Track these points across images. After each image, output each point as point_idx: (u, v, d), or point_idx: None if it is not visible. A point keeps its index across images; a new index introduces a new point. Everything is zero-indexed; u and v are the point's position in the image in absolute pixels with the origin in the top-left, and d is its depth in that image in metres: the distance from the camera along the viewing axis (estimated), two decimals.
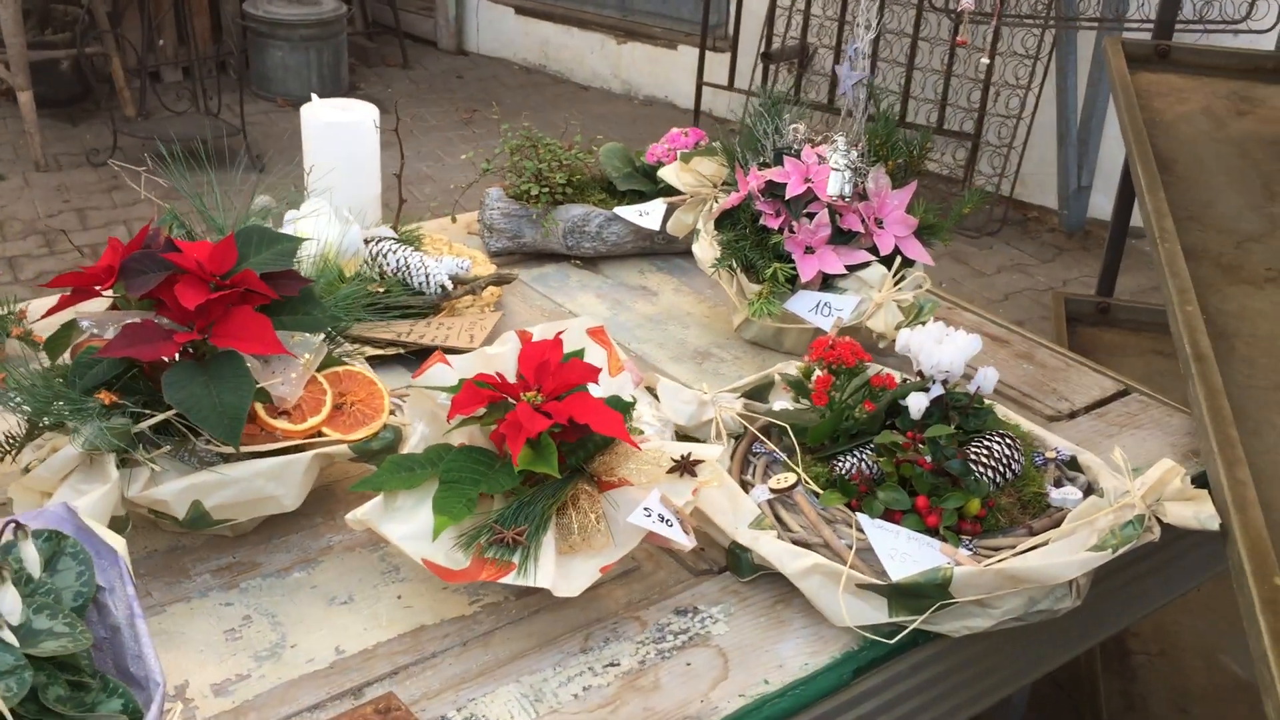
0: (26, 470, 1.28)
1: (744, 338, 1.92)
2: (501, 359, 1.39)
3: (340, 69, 6.03)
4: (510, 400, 1.31)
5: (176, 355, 1.32)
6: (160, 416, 1.29)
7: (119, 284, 1.32)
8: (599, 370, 1.38)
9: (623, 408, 1.36)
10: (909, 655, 1.38)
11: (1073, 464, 1.52)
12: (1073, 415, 1.80)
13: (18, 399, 1.27)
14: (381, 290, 1.81)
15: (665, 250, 2.18)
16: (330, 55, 5.95)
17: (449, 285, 1.86)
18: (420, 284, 1.84)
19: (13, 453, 1.34)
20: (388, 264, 1.84)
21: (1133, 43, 3.04)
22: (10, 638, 0.90)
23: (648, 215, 2.07)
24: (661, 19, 6.25)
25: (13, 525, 0.94)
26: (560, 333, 1.42)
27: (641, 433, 1.41)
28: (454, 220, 2.24)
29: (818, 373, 1.48)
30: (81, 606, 1.01)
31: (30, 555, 0.95)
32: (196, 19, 5.94)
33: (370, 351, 1.74)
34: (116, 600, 1.03)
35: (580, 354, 1.43)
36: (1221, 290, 1.90)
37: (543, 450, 1.27)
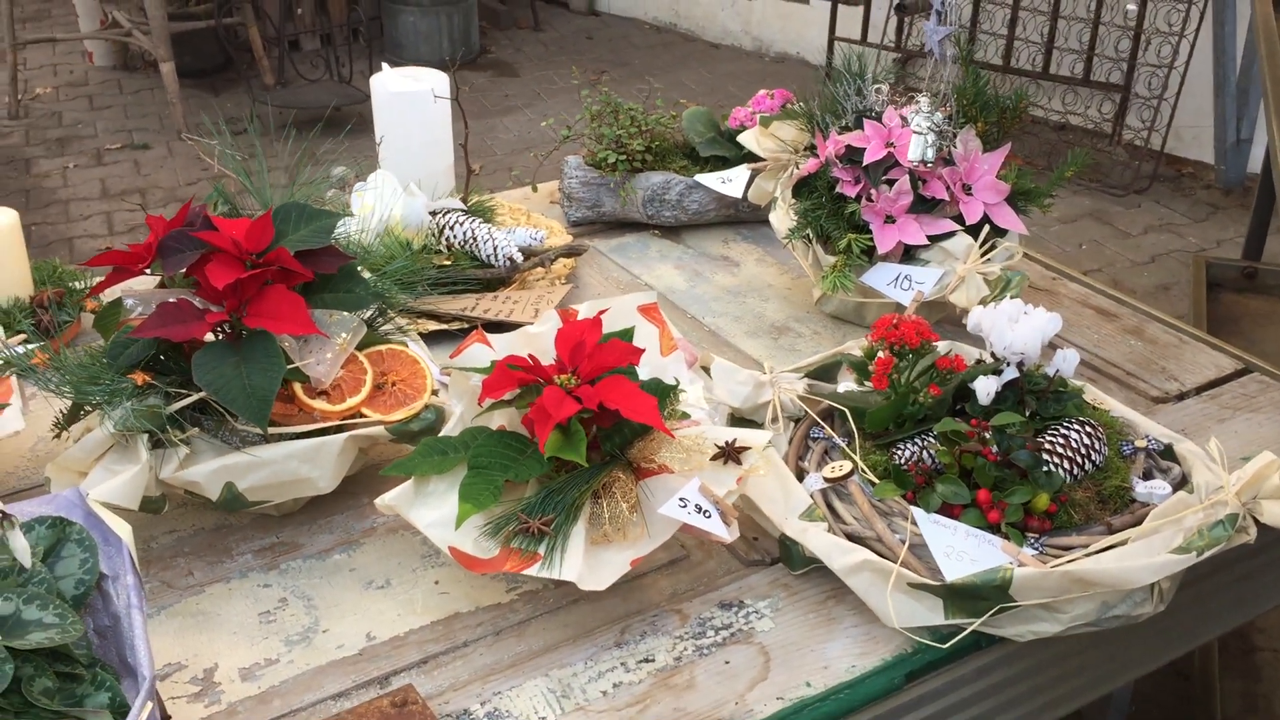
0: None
1: (825, 312, 1.83)
2: (541, 338, 1.34)
3: (471, 32, 6.05)
4: (542, 383, 1.25)
5: (212, 335, 1.30)
6: (191, 398, 1.28)
7: (156, 265, 1.31)
8: (640, 351, 1.31)
9: (663, 391, 1.30)
10: (971, 659, 1.28)
11: (1168, 453, 1.39)
12: (1181, 397, 1.65)
13: (55, 381, 1.28)
14: (448, 263, 1.78)
15: (751, 218, 2.09)
16: (461, 19, 5.97)
17: (517, 258, 1.81)
18: (488, 256, 1.80)
19: (61, 431, 1.35)
20: (454, 236, 1.81)
21: None
22: None
23: (730, 183, 1.99)
24: None
25: (5, 517, 0.93)
26: (603, 311, 1.36)
27: (688, 416, 1.35)
28: (535, 189, 2.19)
29: (880, 354, 1.38)
30: (84, 594, 1.00)
31: (20, 545, 0.94)
32: None
33: (433, 326, 1.71)
34: (119, 589, 1.02)
35: (629, 333, 1.37)
36: None
37: (572, 436, 1.21)
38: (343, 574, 1.35)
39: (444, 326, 1.72)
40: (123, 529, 1.05)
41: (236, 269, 1.28)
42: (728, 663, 1.23)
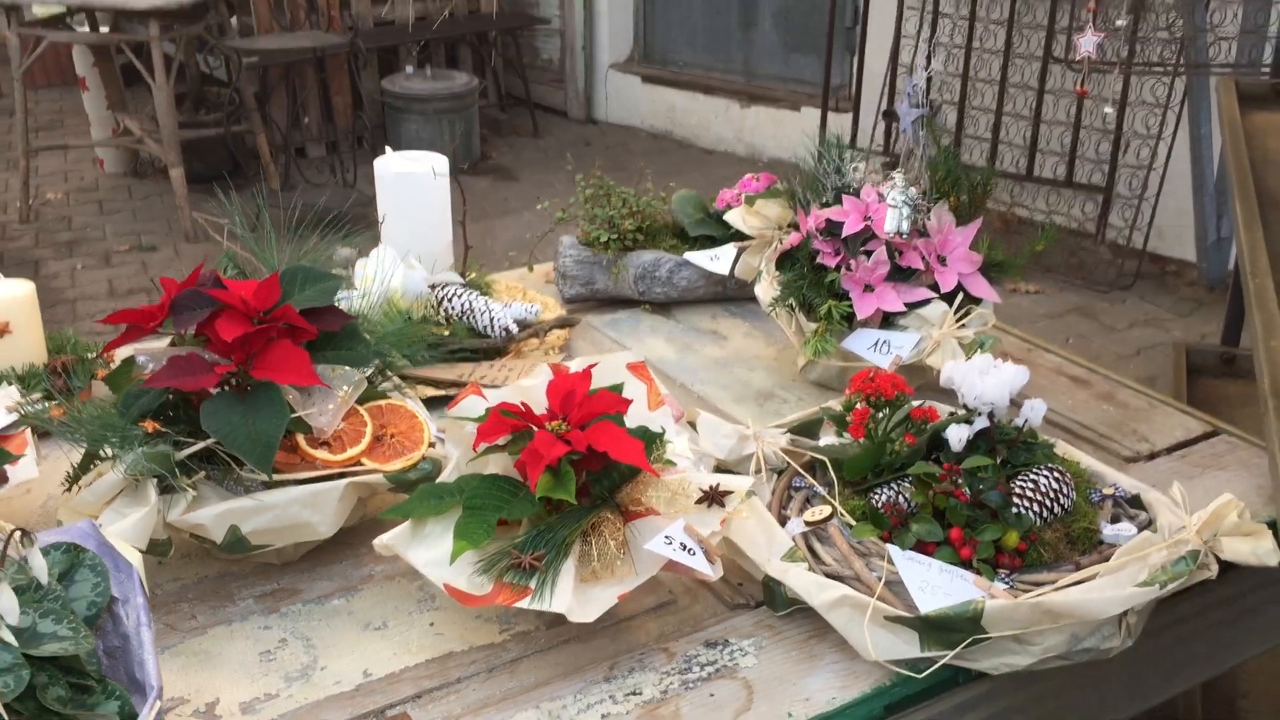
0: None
1: (809, 379, 1.90)
2: (534, 391, 1.41)
3: (472, 139, 6.24)
4: (534, 429, 1.32)
5: (219, 387, 1.37)
6: (199, 445, 1.34)
7: (171, 319, 1.39)
8: (628, 402, 1.38)
9: (649, 437, 1.36)
10: (951, 695, 1.32)
11: (1135, 502, 1.45)
12: (1152, 456, 1.71)
13: (72, 431, 1.34)
14: (446, 332, 1.85)
15: (738, 295, 2.18)
16: (463, 126, 6.16)
17: (513, 328, 1.89)
18: (485, 327, 1.88)
19: (73, 485, 1.41)
20: (452, 308, 1.89)
21: (1248, 82, 2.93)
22: (8, 637, 0.94)
23: (718, 260, 2.07)
24: (785, 81, 6.28)
25: (19, 533, 0.99)
26: (592, 365, 1.43)
27: (673, 464, 1.41)
28: (530, 269, 2.28)
29: (857, 405, 1.45)
30: (95, 615, 1.05)
31: (38, 563, 1.00)
32: (337, 97, 6.24)
33: (431, 392, 1.78)
34: (129, 610, 1.07)
35: (618, 388, 1.44)
36: None
37: (562, 477, 1.27)
38: (341, 617, 1.40)
39: (441, 393, 1.79)
40: (133, 556, 1.10)
41: (245, 324, 1.36)
42: (712, 695, 1.27)
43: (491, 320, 1.88)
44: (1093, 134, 4.86)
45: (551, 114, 7.06)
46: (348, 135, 6.21)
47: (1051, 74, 4.86)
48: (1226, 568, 1.33)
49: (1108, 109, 4.52)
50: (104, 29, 5.71)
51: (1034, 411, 1.42)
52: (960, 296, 1.75)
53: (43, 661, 0.97)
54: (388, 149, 2.06)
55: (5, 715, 0.92)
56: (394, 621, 1.39)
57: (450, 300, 1.89)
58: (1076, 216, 4.98)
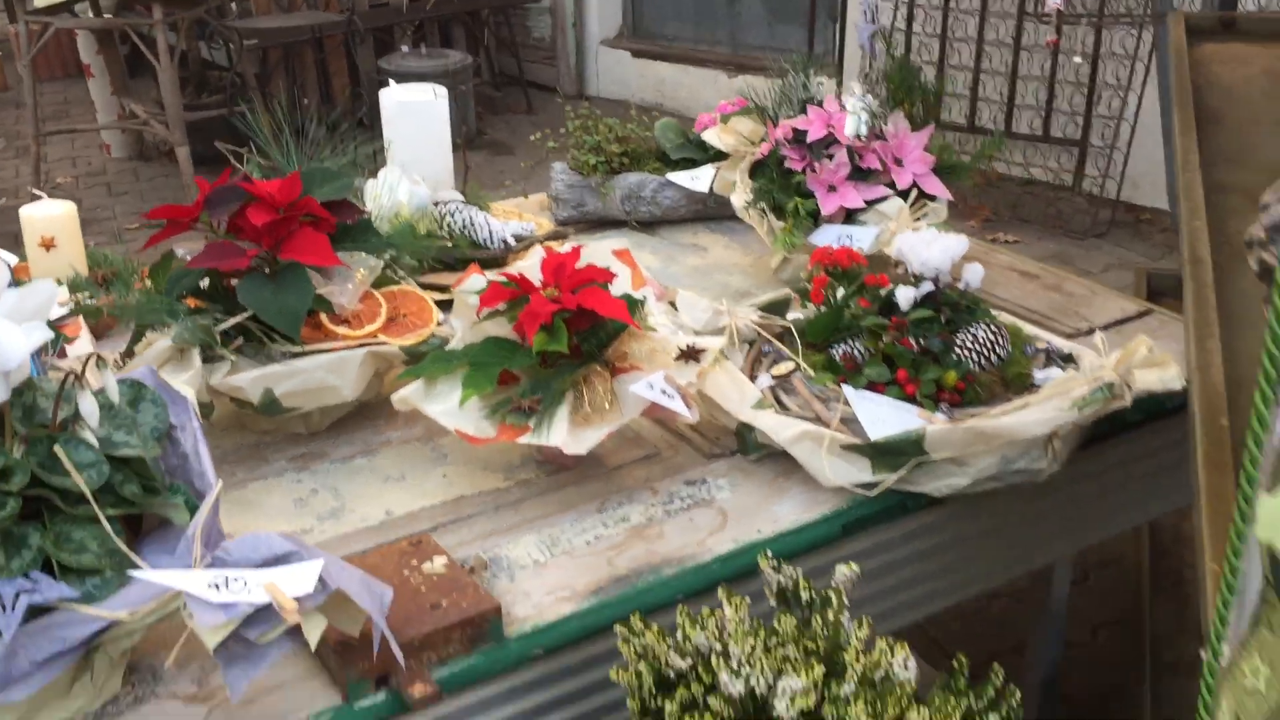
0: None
1: (782, 279, 2.07)
2: (529, 268, 1.58)
3: (468, 116, 6.41)
4: (529, 295, 1.50)
5: (251, 270, 1.55)
6: (237, 319, 1.52)
7: (204, 214, 1.57)
8: (614, 275, 1.56)
9: (632, 302, 1.54)
10: (902, 522, 1.51)
11: (1068, 359, 1.63)
12: (1090, 331, 1.89)
13: (122, 312, 1.52)
14: (449, 244, 2.03)
15: (718, 214, 2.35)
16: (458, 105, 6.33)
17: (511, 241, 2.07)
18: (484, 240, 2.06)
19: (126, 358, 1.59)
20: (455, 222, 2.06)
21: (1197, 15, 3.10)
22: (91, 438, 1.12)
23: (698, 179, 2.25)
24: (771, 51, 6.45)
25: (95, 357, 1.17)
26: (580, 247, 1.60)
27: (655, 330, 1.58)
28: (526, 197, 2.46)
29: (816, 274, 1.63)
30: (158, 438, 1.23)
31: (110, 384, 1.17)
32: (335, 78, 6.41)
33: (437, 296, 1.95)
34: (185, 435, 1.25)
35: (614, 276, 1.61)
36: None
37: (555, 333, 1.45)
38: (364, 473, 1.58)
39: (446, 296, 1.96)
40: (187, 391, 1.28)
41: (272, 214, 1.53)
42: (692, 520, 1.45)
43: (491, 233, 2.06)
44: (1066, 88, 5.03)
45: (544, 91, 7.23)
46: (347, 115, 6.38)
47: (1026, 30, 5.03)
48: (1149, 417, 1.51)
49: (1077, 58, 4.70)
50: (107, 16, 5.88)
51: (973, 275, 1.60)
52: (915, 194, 1.93)
53: (117, 463, 1.14)
54: (390, 81, 2.23)
55: (94, 503, 1.09)
56: (410, 474, 1.57)
57: (452, 215, 2.07)
58: (1053, 168, 5.15)
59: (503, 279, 1.52)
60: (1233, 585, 0.82)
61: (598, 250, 1.65)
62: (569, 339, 1.46)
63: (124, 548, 1.10)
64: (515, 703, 1.29)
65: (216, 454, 1.61)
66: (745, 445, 1.56)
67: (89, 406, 1.11)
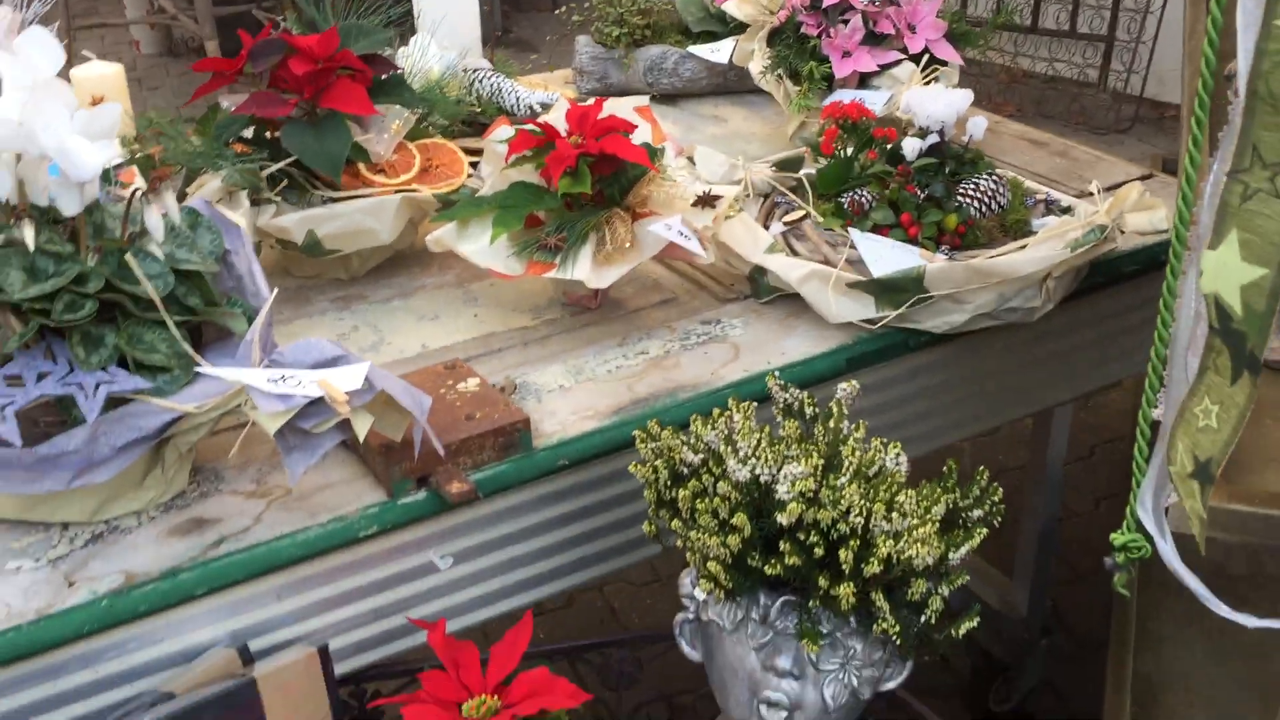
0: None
1: (797, 143, 2.15)
2: (554, 119, 1.67)
3: (495, 13, 6.43)
4: (554, 142, 1.59)
5: (292, 118, 1.65)
6: (282, 163, 1.62)
7: (248, 65, 1.66)
8: (634, 126, 1.64)
9: (652, 151, 1.63)
10: (904, 359, 1.60)
11: (1066, 210, 1.71)
12: (1092, 194, 1.97)
13: (174, 159, 1.62)
14: (478, 109, 2.11)
15: (738, 88, 2.42)
16: (486, 2, 6.35)
17: (536, 108, 2.15)
18: (511, 106, 2.14)
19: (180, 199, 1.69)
20: (482, 88, 2.14)
21: None
22: (157, 251, 1.23)
23: (718, 51, 2.32)
24: None
25: (156, 179, 1.27)
26: (602, 100, 1.69)
27: (675, 181, 1.67)
28: (552, 71, 2.53)
29: (827, 127, 1.71)
30: (217, 259, 1.34)
31: (171, 204, 1.27)
32: None
33: (470, 159, 2.04)
34: (239, 259, 1.36)
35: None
36: None
37: (579, 177, 1.55)
38: (400, 313, 1.69)
39: (475, 159, 2.06)
40: (240, 219, 1.39)
41: (312, 64, 1.62)
42: (706, 353, 1.56)
43: (518, 99, 2.13)
44: None
45: None
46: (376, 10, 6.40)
47: None
48: (1143, 269, 1.60)
49: None
50: None
51: (976, 127, 1.67)
52: (926, 58, 2.00)
53: (180, 276, 1.25)
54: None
55: (161, 308, 1.20)
56: (444, 314, 1.68)
57: (480, 81, 2.15)
58: (1078, 63, 5.15)
59: (531, 127, 1.61)
60: (1163, 343, 0.92)
61: (620, 106, 1.74)
62: (592, 183, 1.55)
63: (190, 350, 1.21)
64: (543, 510, 1.41)
65: None
66: (758, 289, 1.66)
67: (155, 222, 1.22)
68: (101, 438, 1.16)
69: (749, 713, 1.18)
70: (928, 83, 1.98)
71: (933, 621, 1.14)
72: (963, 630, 1.15)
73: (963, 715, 2.39)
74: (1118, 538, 1.03)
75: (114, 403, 1.17)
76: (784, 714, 1.16)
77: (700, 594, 1.21)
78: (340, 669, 1.34)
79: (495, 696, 1.21)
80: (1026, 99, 5.19)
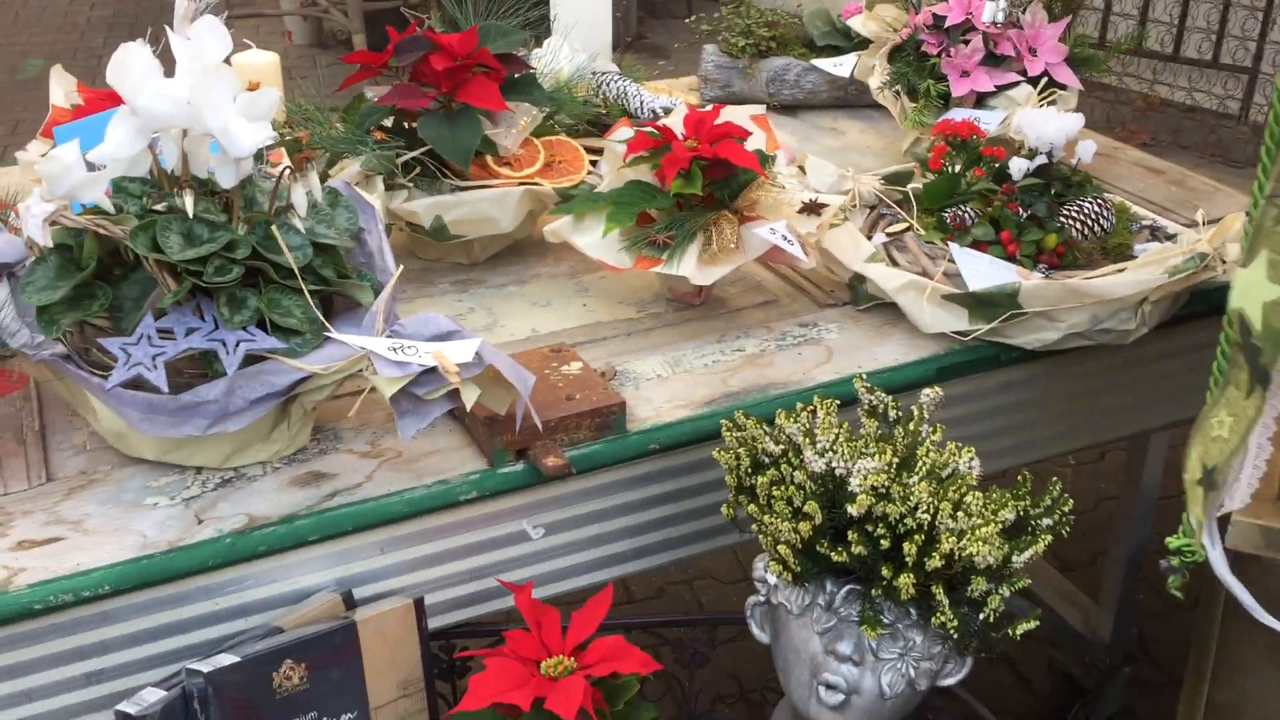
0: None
1: (910, 159, 2.20)
2: (673, 123, 1.75)
3: (629, 17, 6.56)
4: (670, 144, 1.67)
5: (430, 110, 1.76)
6: (416, 152, 1.74)
7: (393, 59, 1.78)
8: (749, 133, 1.71)
9: (764, 156, 1.70)
10: (995, 373, 1.65)
11: (1170, 237, 1.73)
12: (1206, 224, 1.97)
13: (320, 143, 1.75)
14: (603, 111, 2.21)
15: (858, 102, 2.47)
16: (622, 7, 6.48)
17: (659, 111, 2.23)
18: (636, 109, 2.23)
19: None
20: (609, 91, 2.24)
21: None
22: (299, 225, 1.34)
23: (840, 65, 2.38)
24: None
25: (303, 158, 1.39)
26: (721, 106, 1.76)
27: (783, 189, 1.74)
28: (678, 78, 2.62)
29: (936, 143, 1.76)
30: (352, 236, 1.45)
31: (315, 183, 1.39)
32: None
33: (591, 156, 2.14)
34: (371, 237, 1.47)
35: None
36: None
37: (692, 178, 1.62)
38: (515, 299, 1.79)
39: (595, 157, 2.15)
40: (375, 201, 1.50)
41: (451, 60, 1.74)
42: (800, 354, 1.63)
43: (642, 103, 2.22)
44: (1239, 11, 4.90)
45: None
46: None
47: None
48: None
49: None
50: None
51: (1085, 150, 1.70)
52: (1044, 81, 2.02)
53: (318, 249, 1.37)
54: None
55: (299, 277, 1.32)
56: (555, 302, 1.77)
57: (608, 85, 2.24)
58: (1218, 94, 5.04)
59: (649, 129, 1.69)
60: (1224, 356, 0.96)
61: (737, 114, 1.81)
62: (703, 185, 1.63)
63: (321, 317, 1.33)
64: (633, 491, 1.49)
65: None
66: (857, 296, 1.72)
67: (299, 198, 1.34)
68: (238, 390, 1.28)
69: (808, 694, 1.25)
70: (1043, 105, 2.01)
71: (991, 620, 1.19)
72: (1020, 630, 1.20)
73: None
74: (1172, 541, 1.07)
75: (251, 360, 1.29)
76: (841, 697, 1.22)
77: (771, 578, 1.28)
78: (434, 623, 1.44)
79: (571, 658, 1.29)
80: (1163, 128, 5.10)
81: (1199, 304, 1.70)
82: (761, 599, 1.33)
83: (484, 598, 1.47)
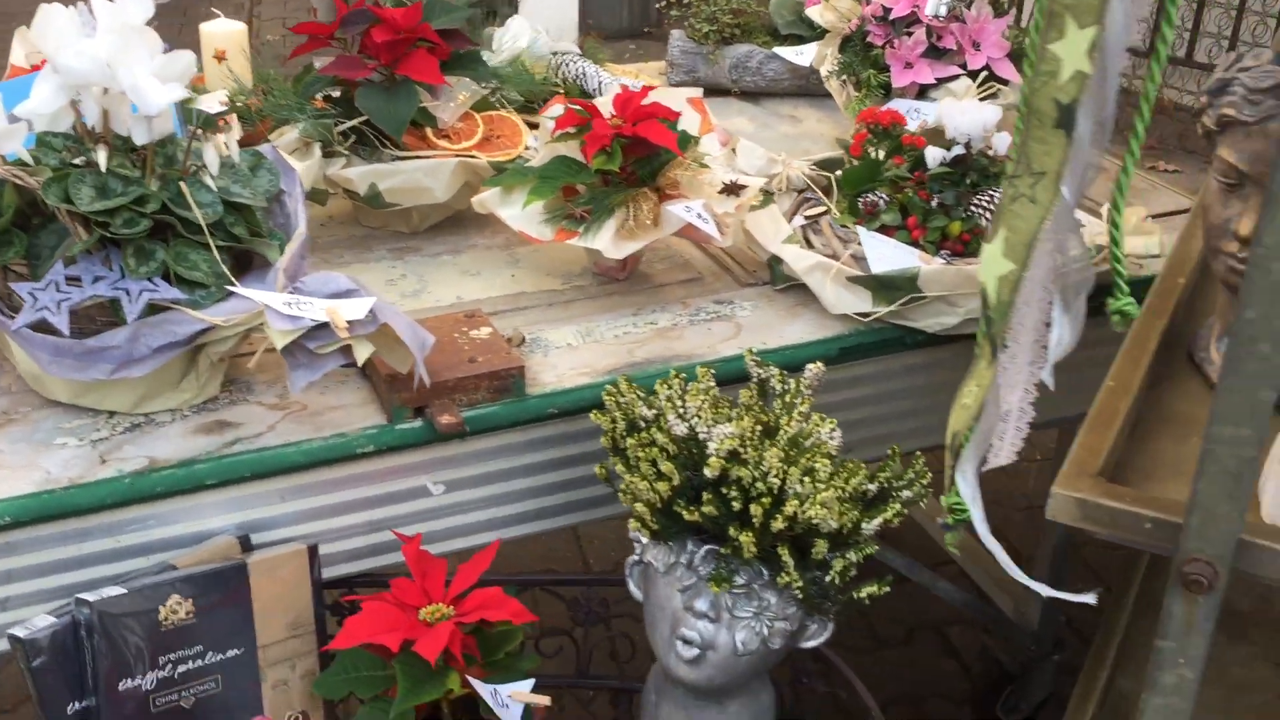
0: None
1: (839, 145, 2.23)
2: (604, 103, 1.81)
3: (649, 9, 6.62)
4: (592, 122, 1.72)
5: (371, 81, 1.82)
6: (354, 121, 1.80)
7: (340, 30, 1.84)
8: (677, 114, 1.76)
9: (684, 137, 1.75)
10: (899, 356, 1.69)
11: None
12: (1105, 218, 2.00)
13: (266, 109, 1.82)
14: (561, 91, 2.26)
15: (820, 91, 2.50)
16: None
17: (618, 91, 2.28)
18: (594, 90, 2.28)
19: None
20: (569, 72, 2.29)
21: None
22: (210, 183, 1.41)
23: (802, 54, 2.42)
24: None
25: (219, 118, 1.45)
26: (651, 87, 1.81)
27: (708, 168, 1.79)
28: (647, 62, 2.67)
29: (858, 131, 1.80)
30: (270, 198, 1.52)
31: (233, 145, 1.46)
32: None
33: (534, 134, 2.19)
34: (291, 199, 1.53)
35: (679, 116, 1.82)
36: None
37: (612, 155, 1.68)
38: (447, 267, 1.85)
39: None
40: (297, 165, 1.56)
41: (393, 34, 1.79)
42: (710, 329, 1.67)
43: (600, 84, 2.27)
44: (1251, 18, 4.87)
45: None
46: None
47: None
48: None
49: None
50: None
51: (1001, 142, 1.74)
52: (984, 75, 2.06)
53: (232, 208, 1.43)
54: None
55: (208, 234, 1.38)
56: (485, 272, 1.83)
57: (567, 65, 2.30)
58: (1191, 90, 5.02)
59: (577, 107, 1.74)
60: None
61: (671, 95, 1.86)
62: (624, 162, 1.68)
63: (226, 272, 1.39)
64: (533, 454, 1.55)
65: (331, 241, 1.92)
66: (774, 276, 1.76)
67: (210, 156, 1.40)
68: (141, 338, 1.35)
69: (669, 648, 1.30)
70: (982, 99, 2.04)
71: (837, 583, 1.23)
72: (866, 593, 1.24)
73: None
74: (945, 500, 1.12)
75: (156, 310, 1.36)
76: (696, 651, 1.27)
77: (643, 538, 1.34)
78: (336, 572, 1.51)
79: (451, 607, 1.35)
80: (1169, 131, 5.08)
81: (1102, 296, 1.73)
82: (637, 558, 1.39)
83: (385, 549, 1.53)
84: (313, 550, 1.43)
